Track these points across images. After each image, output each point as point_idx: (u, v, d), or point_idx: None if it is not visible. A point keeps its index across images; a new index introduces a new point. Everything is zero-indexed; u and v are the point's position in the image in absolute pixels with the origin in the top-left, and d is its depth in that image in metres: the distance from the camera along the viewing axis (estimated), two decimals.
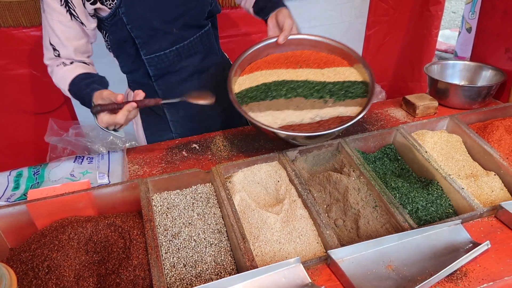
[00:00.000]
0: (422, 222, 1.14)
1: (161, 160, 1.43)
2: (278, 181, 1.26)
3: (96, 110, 1.19)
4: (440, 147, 1.38)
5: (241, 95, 1.32)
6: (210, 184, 1.25)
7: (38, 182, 1.29)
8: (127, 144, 2.29)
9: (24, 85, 2.16)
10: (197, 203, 1.18)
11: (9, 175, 1.33)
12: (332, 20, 2.60)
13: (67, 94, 1.32)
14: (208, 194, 1.21)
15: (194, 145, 1.50)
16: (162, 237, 1.07)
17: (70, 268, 0.97)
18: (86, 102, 1.25)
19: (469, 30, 3.87)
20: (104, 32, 1.39)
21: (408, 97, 1.64)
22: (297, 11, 2.44)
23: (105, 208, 1.17)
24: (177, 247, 1.05)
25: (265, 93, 1.31)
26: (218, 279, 0.97)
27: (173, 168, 1.38)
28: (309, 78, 1.36)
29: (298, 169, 1.28)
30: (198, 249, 1.05)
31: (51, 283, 0.93)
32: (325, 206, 1.19)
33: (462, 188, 1.18)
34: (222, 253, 1.05)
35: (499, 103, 1.67)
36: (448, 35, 4.94)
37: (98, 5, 1.27)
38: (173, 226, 1.10)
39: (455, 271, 0.97)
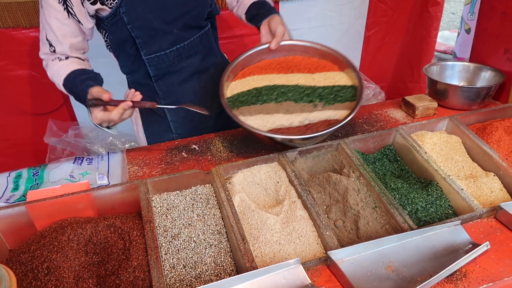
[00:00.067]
0: (422, 223, 1.14)
1: (161, 161, 1.43)
2: (278, 182, 1.26)
3: (91, 104, 1.21)
4: (439, 148, 1.38)
5: (233, 99, 1.34)
6: (210, 185, 1.25)
7: (37, 183, 1.29)
8: (127, 145, 2.29)
9: (23, 86, 2.16)
10: (197, 204, 1.18)
11: (9, 176, 1.32)
12: (331, 21, 2.60)
13: (61, 88, 1.33)
14: (207, 195, 1.21)
15: (194, 146, 1.50)
16: (162, 238, 1.07)
17: (70, 269, 0.96)
18: (81, 98, 1.27)
19: (468, 31, 3.88)
20: (104, 31, 1.39)
21: (408, 98, 1.64)
22: (297, 12, 2.45)
23: (104, 209, 1.17)
24: (176, 248, 1.05)
25: (256, 97, 1.34)
26: (218, 280, 0.97)
27: (173, 169, 1.38)
28: (299, 83, 1.39)
29: (298, 170, 1.28)
30: (198, 250, 1.05)
31: (51, 284, 0.93)
32: (324, 207, 1.19)
33: (462, 189, 1.18)
34: (222, 254, 1.05)
35: (498, 104, 1.67)
36: (447, 36, 4.94)
37: (98, 5, 1.27)
38: (173, 227, 1.10)
39: (455, 272, 0.97)
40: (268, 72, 1.43)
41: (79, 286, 0.95)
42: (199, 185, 1.25)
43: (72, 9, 1.26)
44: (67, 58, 1.34)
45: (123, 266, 0.98)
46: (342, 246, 1.04)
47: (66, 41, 1.31)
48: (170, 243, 1.06)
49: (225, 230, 1.11)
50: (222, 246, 1.07)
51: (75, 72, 1.30)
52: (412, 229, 1.06)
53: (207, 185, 1.25)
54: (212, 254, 1.05)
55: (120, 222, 1.08)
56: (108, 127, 1.28)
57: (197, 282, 0.99)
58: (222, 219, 1.14)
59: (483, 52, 1.77)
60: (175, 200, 1.19)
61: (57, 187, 1.15)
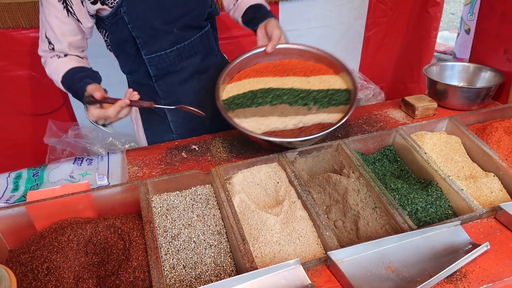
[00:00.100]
0: (422, 223, 1.14)
1: (161, 161, 1.43)
2: (278, 183, 1.26)
3: (88, 101, 1.21)
4: (439, 148, 1.38)
5: (228, 102, 1.35)
6: (210, 185, 1.25)
7: (37, 184, 1.29)
8: (127, 146, 2.29)
9: (23, 87, 2.16)
10: (197, 205, 1.18)
11: (8, 176, 1.32)
12: (331, 21, 2.60)
13: (59, 85, 1.34)
14: (207, 196, 1.21)
15: (194, 146, 1.50)
16: (162, 238, 1.07)
17: (70, 269, 0.96)
18: (79, 95, 1.27)
19: (467, 31, 3.88)
20: (104, 31, 1.40)
21: (407, 98, 1.64)
22: (297, 12, 2.45)
23: (104, 209, 1.17)
24: (176, 249, 1.05)
25: (251, 100, 1.35)
26: (217, 280, 0.97)
27: (173, 169, 1.38)
28: (294, 86, 1.40)
29: (298, 171, 1.28)
30: (198, 250, 1.05)
31: (51, 285, 0.93)
32: (324, 207, 1.19)
33: (462, 189, 1.18)
34: (222, 254, 1.05)
35: (498, 104, 1.67)
36: (447, 36, 4.94)
37: (99, 5, 1.27)
38: (173, 227, 1.10)
39: (455, 272, 0.97)
40: (264, 75, 1.44)
41: (79, 287, 0.95)
42: (199, 186, 1.25)
43: (71, 8, 1.26)
44: (66, 55, 1.34)
45: (123, 266, 0.98)
46: (342, 246, 1.04)
47: (65, 39, 1.31)
48: (170, 243, 1.06)
49: (225, 231, 1.11)
50: (222, 246, 1.07)
51: (74, 70, 1.30)
52: (412, 229, 1.06)
53: (207, 185, 1.25)
54: (212, 255, 1.05)
55: (120, 222, 1.08)
56: (104, 125, 1.28)
57: (197, 282, 0.99)
58: (222, 219, 1.14)
59: (482, 53, 1.77)
60: (175, 201, 1.19)
61: (57, 187, 1.15)
